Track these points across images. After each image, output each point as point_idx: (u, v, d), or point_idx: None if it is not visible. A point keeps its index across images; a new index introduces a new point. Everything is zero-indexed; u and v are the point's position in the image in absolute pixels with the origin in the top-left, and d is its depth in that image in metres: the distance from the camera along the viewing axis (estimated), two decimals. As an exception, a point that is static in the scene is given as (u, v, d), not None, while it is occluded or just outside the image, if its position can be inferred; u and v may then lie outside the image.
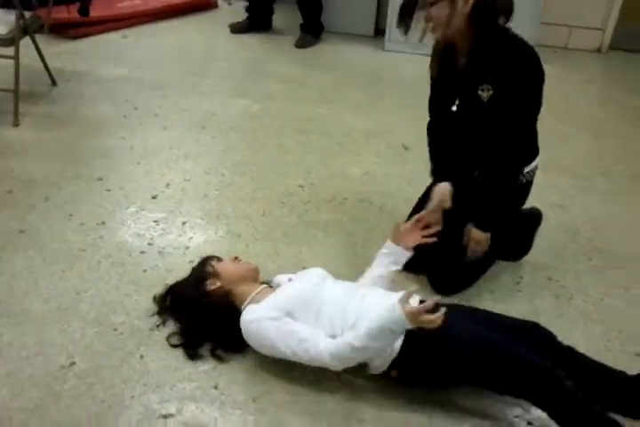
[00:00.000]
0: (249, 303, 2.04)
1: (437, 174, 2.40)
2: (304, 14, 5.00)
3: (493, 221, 2.34)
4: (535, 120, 2.25)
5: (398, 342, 1.88)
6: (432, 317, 1.76)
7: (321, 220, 2.88)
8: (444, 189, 2.32)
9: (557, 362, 1.89)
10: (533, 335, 1.99)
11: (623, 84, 4.67)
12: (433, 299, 1.81)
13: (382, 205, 3.01)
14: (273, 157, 3.39)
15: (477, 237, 2.34)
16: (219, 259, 2.25)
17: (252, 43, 5.02)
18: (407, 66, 4.74)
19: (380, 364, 1.92)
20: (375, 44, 5.10)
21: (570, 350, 2.00)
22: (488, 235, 2.34)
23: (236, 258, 2.23)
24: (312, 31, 5.05)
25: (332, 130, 3.71)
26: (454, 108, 2.29)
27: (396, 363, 1.90)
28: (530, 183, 2.40)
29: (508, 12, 2.12)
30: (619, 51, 5.17)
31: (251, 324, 1.96)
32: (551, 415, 1.81)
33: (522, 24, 2.29)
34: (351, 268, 2.55)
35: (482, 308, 2.18)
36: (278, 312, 1.94)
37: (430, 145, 2.49)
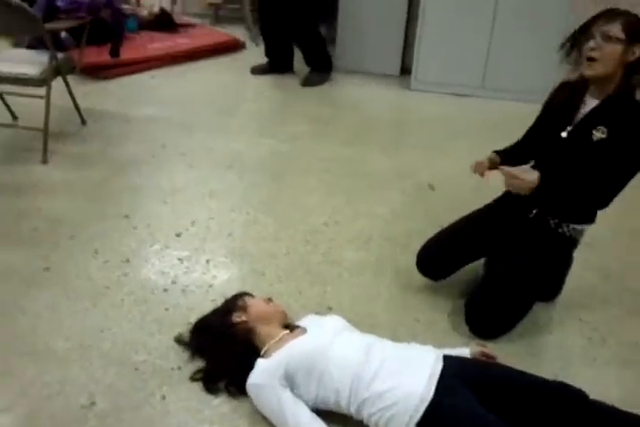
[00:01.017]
0: (266, 352, 2.02)
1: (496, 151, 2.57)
2: (303, 49, 5.03)
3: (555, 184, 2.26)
4: (626, 181, 2.24)
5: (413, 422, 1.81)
6: None
7: (346, 259, 2.85)
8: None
9: (590, 422, 1.84)
10: (563, 397, 1.90)
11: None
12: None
13: (408, 244, 2.98)
14: (298, 197, 3.39)
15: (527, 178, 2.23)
16: (252, 296, 2.28)
17: (278, 84, 5.08)
18: (433, 105, 4.76)
19: None
20: (401, 84, 5.13)
21: (601, 408, 1.91)
22: (536, 179, 2.22)
23: (269, 299, 2.24)
24: (318, 67, 5.06)
25: (358, 169, 3.71)
26: (564, 134, 2.32)
27: None
28: (575, 242, 2.46)
29: None
30: None
31: (251, 387, 1.95)
32: None
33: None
34: (376, 308, 2.52)
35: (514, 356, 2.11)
36: (278, 379, 1.90)
37: (510, 148, 2.59)
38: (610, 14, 2.15)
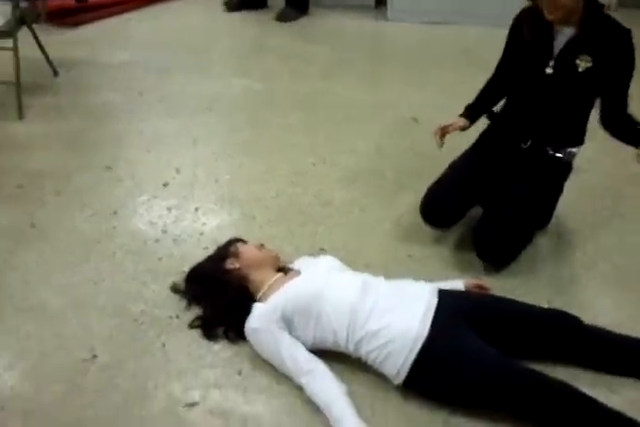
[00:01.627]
0: (262, 296, 2.03)
1: (467, 109, 2.54)
2: None
3: None
4: (626, 91, 2.25)
5: (409, 360, 1.82)
6: None
7: (335, 198, 2.84)
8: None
9: (587, 347, 1.89)
10: (559, 324, 1.94)
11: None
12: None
13: (395, 179, 2.96)
14: (280, 137, 3.34)
15: None
16: (244, 242, 2.27)
17: (253, 20, 4.95)
18: (412, 35, 4.66)
19: (389, 373, 1.88)
20: (377, 15, 5.00)
21: (597, 333, 1.97)
22: None
23: (261, 245, 2.23)
24: (295, 5, 4.98)
25: (338, 105, 3.65)
26: (549, 70, 2.26)
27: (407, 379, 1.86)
28: (570, 166, 2.46)
29: None
30: (628, 8, 5.04)
31: (249, 332, 1.96)
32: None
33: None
34: (368, 245, 2.52)
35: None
36: (275, 322, 1.92)
37: (483, 89, 2.55)
38: None
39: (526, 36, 2.27)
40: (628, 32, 2.15)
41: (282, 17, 4.91)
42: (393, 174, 2.99)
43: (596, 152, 2.86)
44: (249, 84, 3.90)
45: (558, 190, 2.50)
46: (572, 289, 2.33)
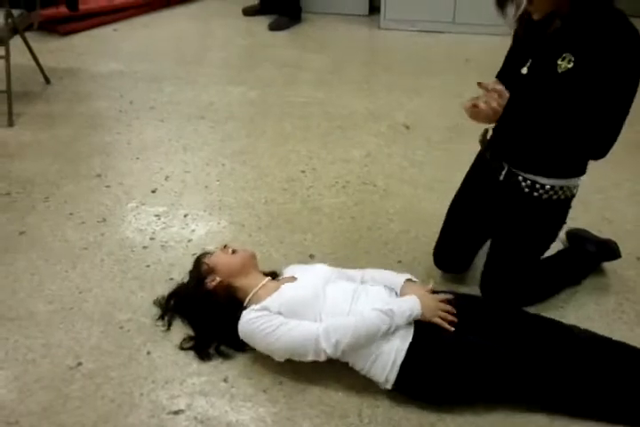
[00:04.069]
0: (251, 301, 2.00)
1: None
2: None
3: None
4: (622, 118, 1.80)
5: (397, 364, 1.83)
6: (448, 316, 1.88)
7: (325, 205, 2.83)
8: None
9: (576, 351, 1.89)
10: (547, 329, 1.96)
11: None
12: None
13: (386, 186, 2.96)
14: (272, 144, 3.33)
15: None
16: (209, 253, 2.19)
17: (245, 28, 4.97)
18: (403, 43, 4.67)
19: (378, 378, 1.87)
20: (370, 23, 5.02)
21: (585, 338, 1.96)
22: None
23: (225, 247, 2.16)
24: (288, 13, 5.01)
25: (332, 113, 3.65)
26: (524, 70, 1.94)
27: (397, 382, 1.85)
28: (565, 202, 2.07)
29: None
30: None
31: (245, 325, 1.92)
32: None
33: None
34: (358, 253, 2.51)
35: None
36: (273, 313, 1.89)
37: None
38: None
39: (521, 34, 1.98)
40: (626, 33, 1.72)
41: (275, 25, 4.93)
42: (383, 182, 2.99)
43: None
44: (242, 93, 3.90)
45: (553, 227, 2.15)
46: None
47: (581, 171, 2.02)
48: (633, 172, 3.02)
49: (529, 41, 1.95)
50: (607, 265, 2.43)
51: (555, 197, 2.01)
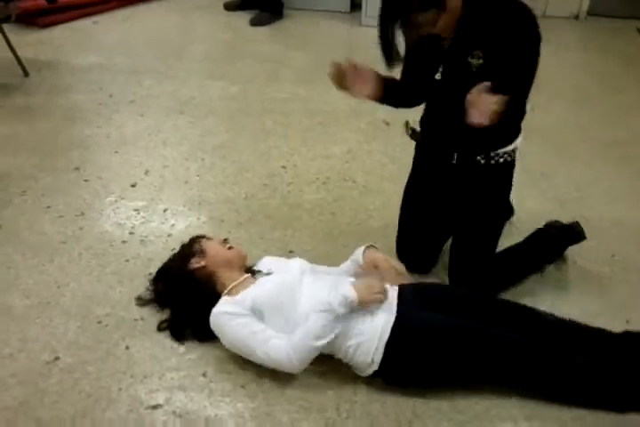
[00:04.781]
0: (227, 294, 2.00)
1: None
2: None
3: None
4: (527, 93, 1.96)
5: (382, 343, 1.86)
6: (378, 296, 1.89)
7: (305, 201, 2.83)
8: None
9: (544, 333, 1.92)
10: (514, 313, 2.00)
11: (601, 50, 4.62)
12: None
13: (366, 183, 2.97)
14: (253, 140, 3.33)
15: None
16: (208, 238, 2.20)
17: (226, 23, 4.95)
18: (385, 41, 4.66)
19: (362, 363, 1.89)
20: (352, 20, 5.03)
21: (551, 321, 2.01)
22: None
23: (225, 240, 2.20)
24: (269, 8, 5.01)
25: (313, 109, 3.65)
26: (438, 76, 2.02)
27: (381, 365, 1.87)
28: (512, 163, 2.18)
29: None
30: (597, 17, 5.13)
31: (215, 317, 1.93)
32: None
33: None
34: (337, 248, 2.52)
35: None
36: (246, 310, 1.90)
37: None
38: None
39: (410, 45, 2.07)
40: (521, 15, 1.82)
41: (256, 21, 4.92)
42: (363, 178, 3.00)
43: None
44: (223, 88, 3.88)
45: (506, 190, 2.28)
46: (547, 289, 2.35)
47: (519, 131, 2.14)
48: (609, 170, 3.05)
49: (424, 48, 2.02)
50: (583, 262, 2.46)
51: (509, 159, 2.14)
